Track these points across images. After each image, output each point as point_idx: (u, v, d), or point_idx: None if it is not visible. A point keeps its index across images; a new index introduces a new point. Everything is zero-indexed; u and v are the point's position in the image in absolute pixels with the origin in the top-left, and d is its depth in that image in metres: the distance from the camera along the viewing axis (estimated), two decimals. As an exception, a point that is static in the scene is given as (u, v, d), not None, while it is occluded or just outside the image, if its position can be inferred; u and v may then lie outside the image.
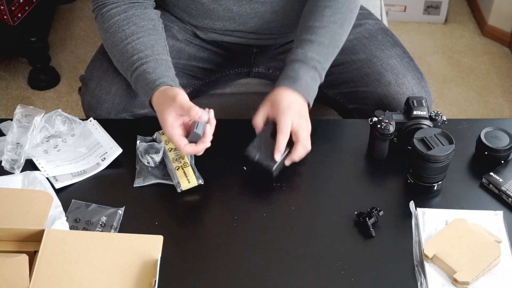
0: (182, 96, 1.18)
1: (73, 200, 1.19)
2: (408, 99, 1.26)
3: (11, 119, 1.28)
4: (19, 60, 2.54)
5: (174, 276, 1.06)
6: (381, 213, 1.15)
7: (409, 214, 1.16)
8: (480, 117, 2.31)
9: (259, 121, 1.25)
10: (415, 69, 1.45)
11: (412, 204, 1.16)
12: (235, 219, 1.17)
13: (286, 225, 1.16)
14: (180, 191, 1.20)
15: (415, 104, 1.24)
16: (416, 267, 1.07)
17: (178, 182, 1.20)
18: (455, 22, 2.77)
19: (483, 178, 1.22)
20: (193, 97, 1.50)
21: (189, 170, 1.21)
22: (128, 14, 1.31)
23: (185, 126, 1.20)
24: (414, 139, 1.16)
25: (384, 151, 1.26)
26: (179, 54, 1.48)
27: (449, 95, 2.42)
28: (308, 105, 1.27)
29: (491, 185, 1.21)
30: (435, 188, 1.20)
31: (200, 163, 1.24)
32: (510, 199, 1.18)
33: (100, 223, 1.14)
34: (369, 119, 1.25)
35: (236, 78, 1.61)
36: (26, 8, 2.31)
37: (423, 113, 1.23)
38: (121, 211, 1.16)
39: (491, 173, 1.22)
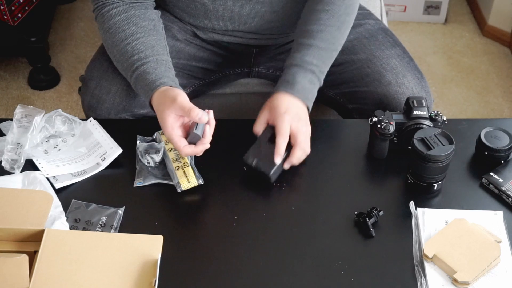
0: (183, 97, 1.18)
1: (73, 200, 1.19)
2: (408, 99, 1.26)
3: (11, 119, 1.28)
4: (19, 60, 2.54)
5: (174, 276, 1.06)
6: (381, 213, 1.15)
7: (409, 214, 1.16)
8: (480, 117, 2.31)
9: (259, 128, 1.25)
10: (415, 69, 1.45)
11: (412, 204, 1.16)
12: (235, 219, 1.17)
13: (286, 225, 1.16)
14: (180, 191, 1.20)
15: (415, 104, 1.24)
16: (416, 267, 1.07)
17: (178, 182, 1.20)
18: (455, 22, 2.77)
19: (483, 178, 1.22)
20: (193, 97, 1.50)
21: (189, 170, 1.21)
22: (129, 14, 1.31)
23: (185, 127, 1.20)
24: (414, 139, 1.16)
25: (384, 151, 1.26)
26: (179, 54, 1.48)
27: (449, 95, 2.42)
28: (308, 108, 1.27)
29: (491, 185, 1.21)
30: (435, 188, 1.20)
31: (200, 163, 1.24)
32: (510, 199, 1.18)
33: (100, 223, 1.14)
34: (369, 119, 1.25)
35: (236, 78, 1.61)
36: (26, 8, 2.31)
37: (423, 113, 1.23)
38: (121, 211, 1.16)
39: (491, 173, 1.22)
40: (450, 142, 1.16)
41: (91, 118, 1.34)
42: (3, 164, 1.24)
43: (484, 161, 1.24)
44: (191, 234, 1.17)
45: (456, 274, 1.04)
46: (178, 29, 1.49)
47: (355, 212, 1.15)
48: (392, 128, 1.23)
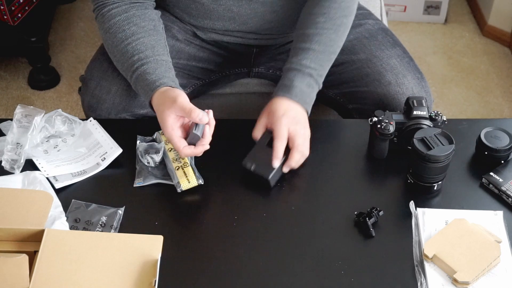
0: (183, 97, 1.18)
1: (73, 200, 1.19)
2: (408, 99, 1.26)
3: (11, 119, 1.28)
4: (19, 60, 2.54)
5: (174, 276, 1.06)
6: (381, 213, 1.15)
7: (409, 214, 1.16)
8: (480, 117, 2.31)
9: (258, 133, 1.26)
10: (415, 69, 1.45)
11: (412, 204, 1.16)
12: (235, 219, 1.17)
13: (286, 225, 1.16)
14: (180, 191, 1.20)
15: (415, 104, 1.24)
16: (416, 267, 1.07)
17: (178, 182, 1.20)
18: (455, 22, 2.77)
19: (483, 178, 1.22)
20: (193, 97, 1.50)
21: (189, 170, 1.21)
22: (129, 14, 1.31)
23: (185, 127, 1.20)
24: (414, 139, 1.16)
25: (384, 151, 1.26)
26: (179, 54, 1.48)
27: (449, 95, 2.42)
28: (307, 112, 1.27)
29: (491, 185, 1.21)
30: (435, 188, 1.20)
31: (200, 163, 1.24)
32: (510, 199, 1.18)
33: (100, 223, 1.14)
34: (369, 119, 1.25)
35: (236, 78, 1.61)
36: (26, 8, 2.31)
37: (423, 113, 1.23)
38: (121, 211, 1.16)
39: (491, 173, 1.22)
40: (450, 142, 1.16)
41: (91, 118, 1.34)
42: (3, 164, 1.24)
43: (484, 161, 1.24)
44: (191, 234, 1.17)
45: (456, 274, 1.04)
46: (178, 29, 1.49)
47: (355, 212, 1.15)
48: (392, 128, 1.23)
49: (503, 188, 1.19)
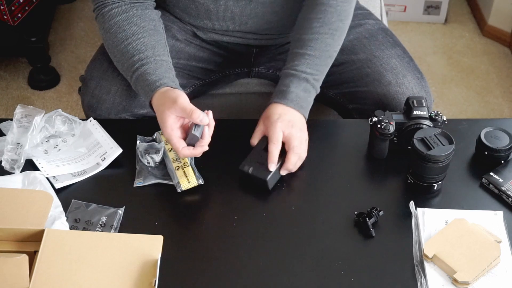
0: (183, 98, 1.18)
1: (73, 200, 1.19)
2: (408, 99, 1.26)
3: (11, 119, 1.28)
4: (19, 60, 2.54)
5: (174, 276, 1.06)
6: (381, 213, 1.15)
7: (409, 214, 1.16)
8: (480, 117, 2.31)
9: (256, 140, 1.26)
10: (415, 69, 1.45)
11: (412, 204, 1.16)
12: (235, 219, 1.17)
13: (286, 225, 1.16)
14: (180, 191, 1.20)
15: (415, 104, 1.24)
16: (416, 267, 1.07)
17: (178, 182, 1.20)
18: (455, 22, 2.77)
19: (483, 178, 1.22)
20: (193, 97, 1.50)
21: (189, 170, 1.21)
22: (129, 14, 1.31)
23: (184, 128, 1.20)
24: (414, 139, 1.16)
25: (384, 151, 1.26)
26: (179, 54, 1.48)
27: (449, 95, 2.42)
28: (304, 117, 1.27)
29: (491, 185, 1.21)
30: (435, 188, 1.20)
31: (200, 163, 1.24)
32: (510, 199, 1.18)
33: (100, 223, 1.14)
34: (369, 119, 1.25)
35: (236, 78, 1.61)
36: (26, 8, 2.31)
37: (423, 113, 1.23)
38: (121, 211, 1.16)
39: (491, 173, 1.22)
40: (450, 142, 1.16)
41: (91, 118, 1.34)
42: (3, 164, 1.24)
43: (484, 161, 1.24)
44: (191, 234, 1.17)
45: (456, 274, 1.04)
46: (178, 29, 1.49)
47: (355, 212, 1.15)
48: (392, 128, 1.23)
49: (503, 188, 1.19)
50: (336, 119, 1.57)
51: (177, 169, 1.22)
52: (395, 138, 1.25)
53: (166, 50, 1.32)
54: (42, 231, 1.03)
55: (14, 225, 1.04)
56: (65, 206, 1.17)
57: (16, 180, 1.19)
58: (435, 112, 1.24)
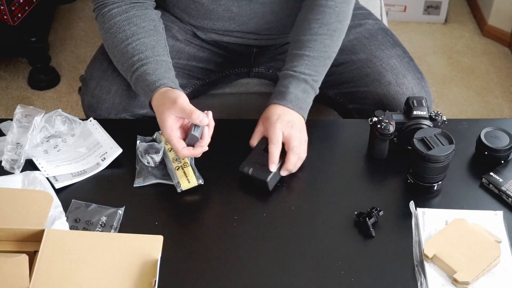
0: (183, 99, 1.18)
1: (73, 200, 1.19)
2: (408, 99, 1.26)
3: (11, 119, 1.28)
4: (19, 60, 2.54)
5: (174, 276, 1.06)
6: (381, 213, 1.15)
7: (409, 214, 1.16)
8: (480, 117, 2.31)
9: (255, 141, 1.26)
10: (415, 69, 1.45)
11: (412, 204, 1.16)
12: (235, 219, 1.17)
13: (286, 225, 1.16)
14: (180, 191, 1.20)
15: (415, 104, 1.24)
16: (416, 267, 1.07)
17: (178, 182, 1.20)
18: (455, 22, 2.77)
19: (483, 178, 1.22)
20: (193, 97, 1.50)
21: (189, 170, 1.21)
22: (129, 14, 1.31)
23: (184, 128, 1.20)
24: (414, 139, 1.16)
25: (384, 151, 1.26)
26: (179, 54, 1.48)
27: (449, 95, 2.42)
28: (303, 117, 1.27)
29: (491, 185, 1.21)
30: (435, 188, 1.20)
31: (200, 163, 1.24)
32: (510, 199, 1.18)
33: (100, 223, 1.14)
34: (369, 119, 1.25)
35: (236, 78, 1.61)
36: (26, 8, 2.31)
37: (423, 113, 1.23)
38: (121, 211, 1.16)
39: (491, 173, 1.22)
40: (450, 142, 1.16)
41: (91, 118, 1.34)
42: (3, 164, 1.24)
43: (484, 161, 1.24)
44: (191, 234, 1.17)
45: (456, 274, 1.04)
46: (178, 29, 1.49)
47: (355, 212, 1.15)
48: (392, 128, 1.23)
49: (503, 188, 1.19)
50: (336, 119, 1.57)
51: (177, 169, 1.22)
52: (395, 138, 1.25)
53: (166, 50, 1.32)
54: (42, 231, 1.03)
55: (14, 225, 1.04)
56: (65, 206, 1.17)
57: (16, 180, 1.19)
58: (435, 112, 1.24)
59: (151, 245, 1.04)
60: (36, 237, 1.03)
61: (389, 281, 1.07)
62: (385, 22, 1.78)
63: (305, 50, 1.30)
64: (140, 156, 1.25)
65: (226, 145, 1.28)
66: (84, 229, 1.14)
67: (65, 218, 1.13)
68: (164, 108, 1.18)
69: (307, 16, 1.33)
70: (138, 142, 1.28)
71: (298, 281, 1.06)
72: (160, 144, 1.27)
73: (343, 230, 1.14)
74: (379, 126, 1.23)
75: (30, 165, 1.25)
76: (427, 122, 1.22)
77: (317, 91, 1.31)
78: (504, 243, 1.10)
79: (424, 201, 1.18)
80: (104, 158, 1.26)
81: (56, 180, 1.22)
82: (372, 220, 1.14)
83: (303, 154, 1.24)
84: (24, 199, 1.11)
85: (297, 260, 1.10)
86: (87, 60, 1.67)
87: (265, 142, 1.23)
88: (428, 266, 1.07)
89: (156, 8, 1.39)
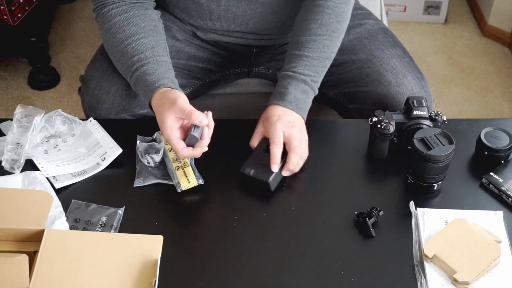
0: (183, 99, 1.18)
1: (73, 200, 1.19)
2: (408, 99, 1.26)
3: (11, 119, 1.28)
4: (19, 60, 2.54)
5: (174, 276, 1.06)
6: (381, 213, 1.15)
7: (409, 214, 1.16)
8: (480, 117, 2.31)
9: (255, 142, 1.26)
10: (415, 69, 1.45)
11: (412, 204, 1.16)
12: (235, 219, 1.17)
13: (286, 225, 1.16)
14: (180, 191, 1.20)
15: (415, 104, 1.24)
16: (416, 267, 1.07)
17: (178, 182, 1.20)
18: (455, 22, 2.77)
19: (483, 178, 1.22)
20: (193, 97, 1.50)
21: (189, 170, 1.21)
22: (129, 14, 1.31)
23: (184, 128, 1.20)
24: (414, 139, 1.16)
25: (384, 151, 1.26)
26: (179, 54, 1.48)
27: (449, 95, 2.42)
28: (302, 118, 1.27)
29: (491, 185, 1.21)
30: (435, 188, 1.20)
31: (200, 163, 1.24)
32: (510, 199, 1.18)
33: (100, 223, 1.14)
34: (369, 119, 1.25)
35: (236, 78, 1.61)
36: (26, 8, 2.31)
37: (423, 113, 1.23)
38: (121, 211, 1.16)
39: (491, 173, 1.22)
40: (450, 142, 1.16)
41: (91, 118, 1.34)
42: (3, 164, 1.24)
43: (484, 161, 1.24)
44: (191, 234, 1.17)
45: (456, 274, 1.04)
46: (178, 29, 1.49)
47: (355, 212, 1.15)
48: (392, 128, 1.23)
49: (503, 188, 1.19)
50: (336, 119, 1.57)
51: (177, 169, 1.22)
52: (395, 138, 1.25)
53: (165, 51, 1.32)
54: (42, 231, 1.03)
55: (14, 225, 1.04)
56: (65, 206, 1.17)
57: (16, 180, 1.19)
58: (435, 112, 1.24)
59: (151, 245, 1.04)
60: (36, 237, 1.03)
61: (389, 281, 1.07)
62: (385, 22, 1.78)
63: (304, 50, 1.30)
64: (140, 156, 1.25)
65: (226, 145, 1.28)
66: (84, 229, 1.14)
67: (65, 218, 1.13)
68: (163, 109, 1.18)
69: (306, 17, 1.33)
70: (138, 142, 1.28)
71: (298, 281, 1.06)
72: (160, 144, 1.27)
73: (343, 230, 1.14)
74: (379, 126, 1.23)
75: (30, 165, 1.25)
76: (427, 122, 1.22)
77: (317, 92, 1.32)
78: (504, 243, 1.10)
79: (424, 201, 1.18)
80: (104, 158, 1.26)
81: (56, 180, 1.22)
82: (372, 220, 1.14)
83: (305, 154, 1.24)
84: (24, 199, 1.11)
85: (297, 260, 1.10)
86: (87, 60, 1.67)
87: (265, 143, 1.23)
88: (428, 266, 1.07)
89: (156, 8, 1.39)
